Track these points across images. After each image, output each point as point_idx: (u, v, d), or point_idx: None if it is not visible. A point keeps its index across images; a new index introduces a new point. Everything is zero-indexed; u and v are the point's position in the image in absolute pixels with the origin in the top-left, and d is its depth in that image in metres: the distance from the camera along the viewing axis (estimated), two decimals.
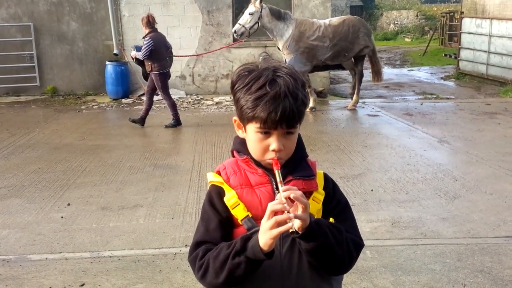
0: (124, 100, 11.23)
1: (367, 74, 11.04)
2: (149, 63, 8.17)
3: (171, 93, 11.68)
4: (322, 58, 9.53)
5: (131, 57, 8.60)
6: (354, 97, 10.16)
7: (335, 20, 9.71)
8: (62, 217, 4.72)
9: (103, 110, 10.39)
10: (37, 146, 7.36)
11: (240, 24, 9.21)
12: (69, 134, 8.10)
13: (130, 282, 3.55)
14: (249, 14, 9.09)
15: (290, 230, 1.39)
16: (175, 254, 3.94)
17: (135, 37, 11.69)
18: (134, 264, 3.81)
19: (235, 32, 9.35)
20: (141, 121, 8.56)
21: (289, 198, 1.41)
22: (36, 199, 5.21)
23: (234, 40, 10.14)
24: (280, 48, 9.51)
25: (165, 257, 3.91)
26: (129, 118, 8.73)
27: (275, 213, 1.41)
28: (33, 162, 6.51)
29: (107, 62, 11.37)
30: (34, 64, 11.66)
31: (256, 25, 9.17)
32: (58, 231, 4.42)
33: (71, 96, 11.72)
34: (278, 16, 9.23)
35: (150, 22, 8.19)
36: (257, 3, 8.99)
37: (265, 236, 1.42)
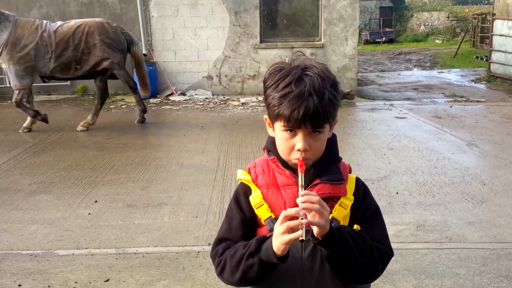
0: (152, 100, 11.35)
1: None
2: None
3: (198, 93, 11.86)
4: (45, 70, 7.92)
5: None
6: (89, 116, 8.46)
7: (69, 24, 8.03)
8: (89, 213, 4.81)
9: (131, 110, 10.52)
10: (66, 144, 7.51)
11: None
12: (98, 132, 8.23)
13: (153, 278, 3.60)
14: None
15: (300, 238, 1.36)
16: (198, 252, 3.98)
17: (164, 38, 11.85)
18: (158, 261, 3.86)
19: None
20: None
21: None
22: (64, 195, 5.32)
23: None
24: None
25: (188, 255, 3.95)
26: None
27: (291, 218, 1.39)
28: (63, 160, 6.64)
29: None
30: None
31: None
32: (85, 227, 4.50)
33: None
34: None
35: None
36: None
37: (277, 241, 1.41)
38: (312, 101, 1.46)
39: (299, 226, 1.36)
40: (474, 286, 3.46)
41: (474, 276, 3.59)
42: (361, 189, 1.66)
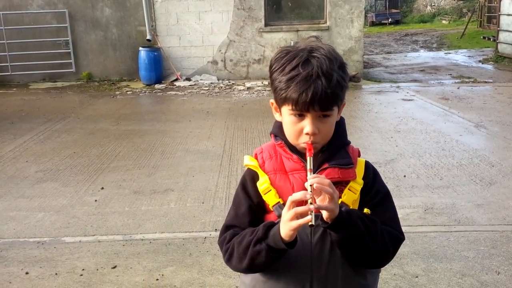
0: (157, 86, 11.32)
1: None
2: None
3: (203, 78, 11.81)
4: None
5: None
6: None
7: None
8: (95, 200, 4.81)
9: (137, 96, 10.51)
10: (72, 131, 7.50)
11: None
12: (103, 119, 8.22)
13: (160, 265, 3.59)
14: None
15: (309, 223, 1.32)
16: (205, 238, 3.97)
17: (168, 23, 11.76)
18: (165, 247, 3.86)
19: None
20: None
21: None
22: (71, 182, 5.31)
23: None
24: None
25: (195, 240, 3.94)
26: None
27: (298, 202, 1.35)
28: (69, 147, 6.64)
29: (140, 48, 11.47)
30: (69, 51, 11.85)
31: None
32: (92, 214, 4.50)
33: (105, 82, 11.89)
34: None
35: None
36: None
37: (285, 227, 1.37)
38: (320, 83, 1.41)
39: (308, 212, 1.33)
40: (483, 269, 3.43)
41: (484, 259, 3.56)
42: (371, 173, 1.62)
